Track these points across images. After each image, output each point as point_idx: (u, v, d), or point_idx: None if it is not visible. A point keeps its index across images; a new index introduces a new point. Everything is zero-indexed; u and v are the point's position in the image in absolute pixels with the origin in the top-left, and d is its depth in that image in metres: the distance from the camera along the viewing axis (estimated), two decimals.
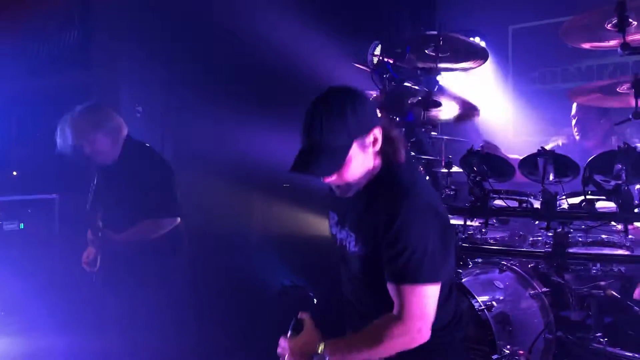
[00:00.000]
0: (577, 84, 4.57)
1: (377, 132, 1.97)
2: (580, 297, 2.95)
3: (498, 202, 3.03)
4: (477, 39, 4.57)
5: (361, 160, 1.97)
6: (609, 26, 2.62)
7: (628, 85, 2.66)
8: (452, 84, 4.40)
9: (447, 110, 3.43)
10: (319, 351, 1.94)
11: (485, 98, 4.09)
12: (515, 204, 3.01)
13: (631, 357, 2.70)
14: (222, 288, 4.71)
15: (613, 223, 2.75)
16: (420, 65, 3.51)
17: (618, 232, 2.78)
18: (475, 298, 2.93)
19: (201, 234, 4.31)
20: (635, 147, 2.53)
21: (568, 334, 2.95)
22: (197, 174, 4.84)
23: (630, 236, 2.68)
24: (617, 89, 2.82)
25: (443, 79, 4.01)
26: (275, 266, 4.92)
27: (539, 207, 2.81)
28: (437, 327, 1.96)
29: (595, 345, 2.80)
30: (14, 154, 5.54)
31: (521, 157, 2.94)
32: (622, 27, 2.46)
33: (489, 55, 3.57)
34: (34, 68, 5.73)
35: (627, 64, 4.40)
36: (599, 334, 2.81)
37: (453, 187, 3.31)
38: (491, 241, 3.37)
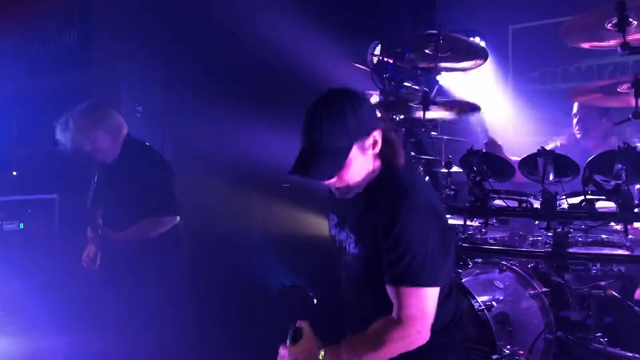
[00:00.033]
0: (577, 84, 4.57)
1: (377, 135, 1.97)
2: (580, 297, 2.95)
3: (498, 202, 3.02)
4: (477, 39, 4.57)
5: (361, 163, 1.97)
6: (609, 26, 2.62)
7: (628, 84, 2.66)
8: (452, 84, 4.40)
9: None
10: (320, 358, 1.94)
11: (486, 98, 4.08)
12: (515, 203, 3.01)
13: (631, 357, 2.70)
14: (222, 288, 4.71)
15: (612, 223, 2.75)
16: (420, 65, 3.51)
17: (618, 232, 2.78)
18: (475, 298, 2.93)
19: (201, 234, 4.31)
20: (635, 147, 2.52)
21: (568, 334, 2.95)
22: (197, 174, 4.84)
23: (630, 236, 2.68)
24: (618, 89, 2.82)
25: (443, 79, 4.00)
26: (275, 266, 4.92)
27: (539, 207, 2.81)
28: (437, 327, 1.97)
29: (595, 345, 2.80)
30: (14, 154, 5.54)
31: (520, 158, 2.95)
32: (622, 27, 2.46)
33: (489, 55, 3.57)
34: (34, 68, 5.73)
35: (627, 64, 4.40)
36: (599, 334, 2.81)
37: (453, 187, 3.31)
38: (491, 241, 3.37)
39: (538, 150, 2.80)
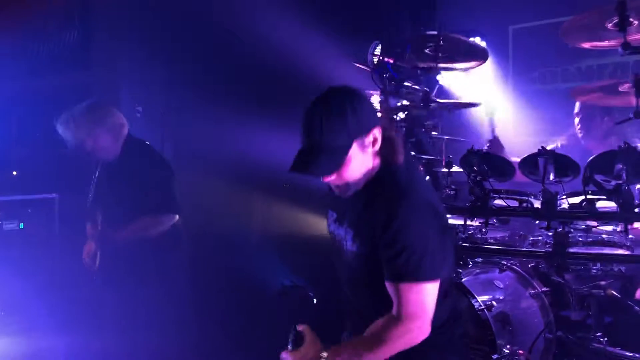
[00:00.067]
0: (577, 83, 4.57)
1: (377, 132, 1.98)
2: (581, 297, 2.95)
3: (498, 201, 3.02)
4: (477, 39, 4.57)
5: (361, 160, 1.97)
6: (609, 26, 2.62)
7: (629, 84, 2.66)
8: (452, 84, 4.40)
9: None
10: (323, 358, 1.95)
11: (485, 98, 4.08)
12: (515, 203, 3.01)
13: (631, 357, 2.70)
14: (222, 288, 4.71)
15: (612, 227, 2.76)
16: (420, 65, 3.52)
17: (618, 231, 2.78)
18: (475, 298, 2.93)
19: (201, 234, 4.31)
20: (636, 147, 2.53)
21: (568, 334, 2.95)
22: (197, 174, 4.84)
23: (630, 236, 2.68)
24: (619, 88, 2.82)
25: (443, 78, 4.00)
26: (275, 266, 4.92)
27: (539, 206, 2.81)
28: (436, 324, 1.97)
29: (595, 345, 2.80)
30: (14, 154, 5.54)
31: (520, 159, 2.95)
32: (622, 27, 2.45)
33: (489, 55, 3.57)
34: (34, 68, 5.73)
35: (627, 64, 4.39)
36: (599, 334, 2.81)
37: (453, 186, 3.31)
38: (491, 241, 3.37)
39: (538, 149, 2.80)
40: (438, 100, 3.47)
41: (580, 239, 2.82)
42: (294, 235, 4.85)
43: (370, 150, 1.98)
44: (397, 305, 1.92)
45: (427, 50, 3.44)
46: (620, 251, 2.74)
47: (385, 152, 2.02)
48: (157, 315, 3.38)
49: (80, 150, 3.43)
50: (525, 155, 2.88)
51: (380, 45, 3.68)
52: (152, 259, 3.39)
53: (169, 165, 3.58)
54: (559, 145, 3.92)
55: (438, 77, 3.76)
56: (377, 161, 2.03)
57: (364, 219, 2.01)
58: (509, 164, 3.02)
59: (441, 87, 3.80)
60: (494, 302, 2.95)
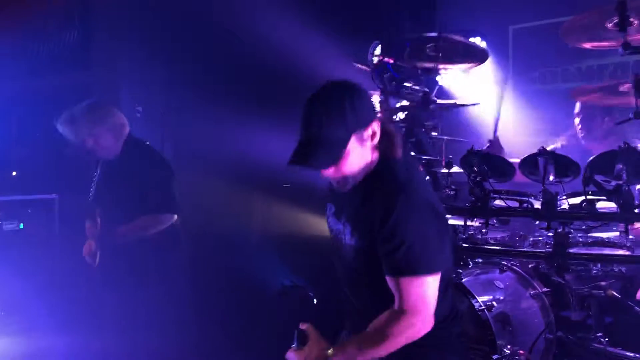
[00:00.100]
0: (577, 84, 4.57)
1: (376, 126, 1.98)
2: (581, 297, 2.95)
3: (498, 202, 3.02)
4: (477, 39, 4.56)
5: (359, 154, 1.97)
6: (609, 26, 2.61)
7: (629, 84, 2.66)
8: (452, 84, 4.40)
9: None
10: (329, 356, 1.95)
11: (486, 98, 4.08)
12: (515, 204, 3.01)
13: (632, 357, 2.70)
14: (222, 288, 4.71)
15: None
16: (420, 65, 3.51)
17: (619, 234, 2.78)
18: (476, 298, 2.93)
19: (201, 234, 4.31)
20: (636, 147, 2.52)
21: (568, 334, 2.95)
22: (197, 174, 4.84)
23: (630, 236, 2.68)
24: (619, 88, 2.82)
25: (443, 79, 4.00)
26: (275, 266, 4.92)
27: (540, 207, 2.81)
28: (438, 319, 1.98)
29: (595, 345, 2.80)
30: (14, 154, 5.54)
31: (520, 159, 2.94)
32: (623, 27, 2.45)
33: (490, 55, 3.57)
34: (34, 68, 5.73)
35: (627, 64, 4.39)
36: (599, 334, 2.81)
37: (453, 187, 3.31)
38: (491, 241, 3.37)
39: (539, 150, 2.80)
40: (438, 100, 3.47)
41: (581, 240, 2.81)
42: (294, 235, 4.85)
43: (368, 144, 1.99)
44: (399, 300, 1.92)
45: (427, 51, 3.43)
46: (621, 252, 2.73)
47: (384, 146, 2.02)
48: (157, 315, 3.38)
49: (81, 150, 3.43)
50: (525, 155, 2.88)
51: (380, 45, 3.68)
52: (151, 258, 3.39)
53: (169, 165, 3.58)
54: (559, 145, 3.91)
55: (438, 78, 3.75)
56: (376, 155, 2.03)
57: (362, 213, 2.01)
58: (509, 164, 3.02)
59: (441, 87, 3.79)
60: (494, 303, 2.95)
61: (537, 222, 2.93)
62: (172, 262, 3.54)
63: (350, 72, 3.75)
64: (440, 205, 2.09)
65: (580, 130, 3.84)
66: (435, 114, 3.65)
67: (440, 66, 3.43)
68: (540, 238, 3.12)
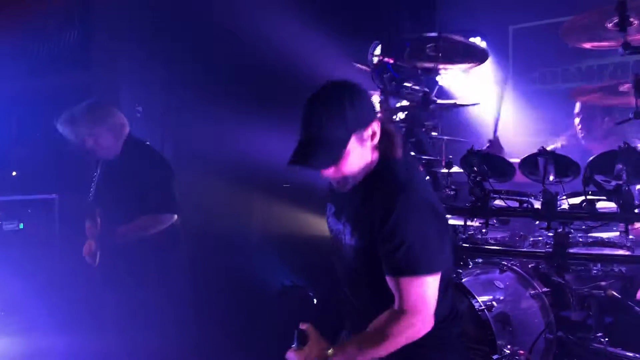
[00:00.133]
0: (577, 84, 4.57)
1: (376, 126, 1.98)
2: (581, 297, 2.95)
3: (498, 202, 3.02)
4: (477, 39, 4.56)
5: (359, 154, 1.98)
6: (609, 25, 2.61)
7: (630, 84, 2.66)
8: (452, 84, 4.40)
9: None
10: (329, 356, 1.95)
11: (486, 98, 4.08)
12: (515, 204, 3.01)
13: (632, 357, 2.70)
14: (222, 288, 4.71)
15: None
16: (420, 65, 3.52)
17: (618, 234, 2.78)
18: (476, 298, 2.93)
19: (201, 234, 4.31)
20: (636, 147, 2.52)
21: (569, 334, 2.95)
22: (197, 174, 4.84)
23: (630, 236, 2.68)
24: (619, 88, 2.82)
25: (443, 79, 4.00)
26: (275, 266, 4.92)
27: (540, 207, 2.81)
28: (438, 319, 1.98)
29: (595, 345, 2.80)
30: (14, 154, 5.54)
31: (520, 159, 2.94)
32: (623, 27, 2.45)
33: (490, 55, 3.57)
34: (34, 68, 5.74)
35: (627, 64, 4.39)
36: (599, 334, 2.81)
37: (453, 187, 3.31)
38: (491, 241, 3.37)
39: (539, 150, 2.80)
40: (438, 100, 3.47)
41: (581, 240, 2.81)
42: (294, 235, 4.85)
43: (368, 144, 1.99)
44: (399, 300, 1.92)
45: (427, 51, 3.43)
46: (621, 252, 2.73)
47: (384, 146, 2.02)
48: (157, 315, 3.38)
49: (81, 149, 3.44)
50: (525, 155, 2.88)
51: (380, 45, 3.68)
52: (151, 259, 3.39)
53: (169, 165, 3.58)
54: (559, 145, 3.91)
55: (438, 78, 3.75)
56: (376, 155, 2.03)
57: (362, 213, 2.01)
58: (509, 164, 3.02)
59: (441, 87, 3.79)
60: (494, 303, 2.95)
61: (537, 222, 2.93)
62: (172, 262, 3.54)
63: (350, 72, 3.75)
64: (441, 205, 2.09)
65: (580, 130, 3.84)
66: (435, 114, 3.65)
67: (440, 66, 3.43)
68: (540, 238, 3.12)
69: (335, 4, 4.81)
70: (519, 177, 3.00)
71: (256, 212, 5.31)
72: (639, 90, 2.51)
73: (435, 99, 3.45)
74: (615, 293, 2.83)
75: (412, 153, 3.42)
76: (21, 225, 4.64)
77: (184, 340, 3.56)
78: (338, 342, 2.03)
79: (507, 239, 3.41)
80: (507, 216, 3.15)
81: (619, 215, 2.58)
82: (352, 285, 2.16)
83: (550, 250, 2.81)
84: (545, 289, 3.12)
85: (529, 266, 3.25)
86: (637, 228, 2.73)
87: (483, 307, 2.90)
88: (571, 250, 2.76)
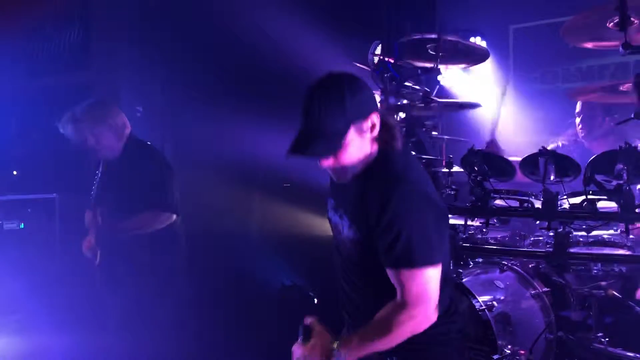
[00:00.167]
0: (578, 84, 4.57)
1: (375, 118, 1.98)
2: (581, 297, 2.95)
3: (499, 201, 3.02)
4: (477, 39, 4.57)
5: (358, 145, 1.97)
6: (610, 25, 2.62)
7: (630, 84, 2.66)
8: (452, 84, 4.40)
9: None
10: (335, 350, 1.96)
11: (486, 98, 4.08)
12: (516, 203, 3.01)
13: (632, 358, 2.70)
14: (222, 288, 4.71)
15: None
16: (420, 65, 3.52)
17: (619, 233, 2.78)
18: (476, 298, 2.93)
19: (201, 233, 4.31)
20: (637, 147, 2.52)
21: (569, 334, 2.95)
22: (197, 174, 4.83)
23: (631, 236, 2.68)
24: (620, 88, 2.82)
25: (444, 78, 4.00)
26: (275, 266, 4.92)
27: (540, 207, 2.81)
28: (439, 312, 1.97)
29: (596, 345, 2.80)
30: (14, 154, 5.54)
31: (521, 158, 2.94)
32: (623, 26, 2.45)
33: (490, 55, 3.57)
34: (34, 68, 5.74)
35: (628, 64, 4.39)
36: (600, 334, 2.81)
37: (454, 186, 3.31)
38: (492, 241, 3.37)
39: (539, 149, 2.80)
40: (438, 100, 3.47)
41: (581, 239, 2.81)
42: (294, 235, 4.85)
43: (368, 135, 1.99)
44: (401, 291, 1.92)
45: (427, 51, 3.43)
46: (621, 251, 2.74)
47: (384, 139, 2.02)
48: (157, 315, 3.38)
49: (83, 149, 3.44)
50: (526, 155, 2.88)
51: (380, 45, 3.68)
52: (151, 259, 3.39)
53: (169, 165, 3.58)
54: (561, 144, 3.92)
55: (439, 77, 3.75)
56: (375, 147, 2.03)
57: (360, 205, 2.01)
58: (510, 164, 3.02)
59: (441, 87, 3.79)
60: (494, 303, 2.95)
61: (538, 222, 2.93)
62: (172, 262, 3.54)
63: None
64: (440, 199, 2.09)
65: (581, 130, 3.84)
66: (435, 114, 3.65)
67: (441, 66, 3.43)
68: (540, 238, 3.12)
69: (335, 4, 4.81)
70: (520, 177, 3.00)
71: (256, 212, 5.31)
72: None
73: (435, 98, 3.44)
74: (615, 293, 2.83)
75: (413, 153, 3.41)
76: (21, 225, 4.64)
77: (184, 340, 3.56)
78: (340, 338, 2.03)
79: (507, 238, 3.41)
80: (507, 216, 3.15)
81: (620, 215, 2.58)
82: (350, 280, 2.16)
83: (551, 250, 2.81)
84: (545, 289, 3.12)
85: (530, 266, 3.25)
86: (638, 228, 2.73)
87: (483, 307, 2.90)
88: (571, 250, 2.76)
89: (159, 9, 5.13)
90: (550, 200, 2.74)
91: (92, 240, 3.53)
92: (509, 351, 2.83)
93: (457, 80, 4.46)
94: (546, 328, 2.98)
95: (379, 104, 2.11)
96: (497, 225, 3.22)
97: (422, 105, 3.33)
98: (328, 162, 1.99)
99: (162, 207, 3.43)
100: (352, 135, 1.94)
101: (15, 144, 5.63)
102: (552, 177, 2.77)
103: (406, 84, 3.52)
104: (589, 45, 2.91)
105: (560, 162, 2.76)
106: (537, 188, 2.87)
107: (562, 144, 3.91)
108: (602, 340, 2.79)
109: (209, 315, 4.25)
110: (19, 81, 5.57)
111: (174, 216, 3.48)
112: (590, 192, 2.67)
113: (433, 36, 3.36)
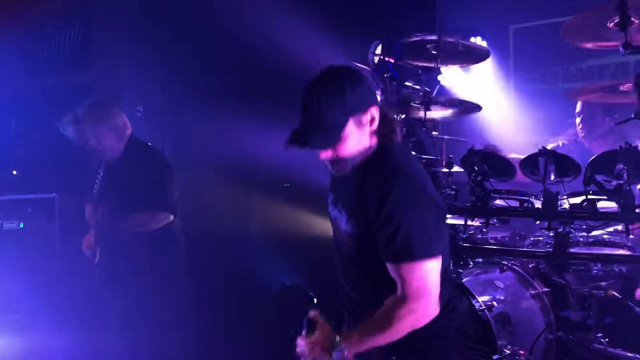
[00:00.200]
0: (578, 84, 4.58)
1: (375, 111, 1.99)
2: (581, 297, 2.95)
3: (499, 201, 3.02)
4: (478, 39, 4.57)
5: (357, 138, 1.98)
6: (610, 25, 2.62)
7: (631, 84, 2.66)
8: (453, 84, 4.40)
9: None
10: (337, 342, 1.96)
11: (486, 98, 4.08)
12: (516, 203, 3.01)
13: (632, 358, 2.70)
14: (222, 288, 4.71)
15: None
16: (420, 64, 3.52)
17: (619, 232, 2.78)
18: (476, 298, 2.93)
19: (201, 233, 4.31)
20: (637, 147, 2.52)
21: (569, 334, 2.95)
22: (197, 174, 4.83)
23: (631, 236, 2.68)
24: (620, 88, 2.82)
25: (444, 78, 4.00)
26: (275, 266, 4.91)
27: (540, 207, 2.81)
28: (439, 307, 1.97)
29: (596, 345, 2.80)
30: (14, 154, 5.54)
31: (521, 157, 2.94)
32: (623, 26, 2.45)
33: (490, 55, 3.57)
34: (34, 68, 5.73)
35: (628, 64, 4.40)
36: (599, 334, 2.81)
37: (454, 186, 3.31)
38: (492, 241, 3.37)
39: (539, 149, 2.80)
40: (439, 100, 3.47)
41: (581, 239, 2.81)
42: (294, 235, 4.85)
43: (367, 129, 1.99)
44: (401, 285, 1.92)
45: (427, 51, 3.43)
46: (621, 251, 2.74)
47: (383, 132, 2.03)
48: (157, 315, 3.38)
49: (84, 149, 3.44)
50: (526, 155, 2.88)
51: (380, 45, 3.68)
52: (150, 258, 3.39)
53: (169, 166, 3.58)
54: (561, 144, 3.92)
55: (439, 77, 3.75)
56: (374, 141, 2.04)
57: (358, 199, 2.01)
58: (510, 164, 3.02)
59: (442, 87, 3.79)
60: (494, 303, 2.95)
61: (538, 222, 2.93)
62: (171, 262, 3.54)
63: None
64: (435, 189, 2.09)
65: (581, 130, 3.84)
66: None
67: (441, 65, 3.43)
68: (540, 238, 3.12)
69: (335, 4, 4.81)
70: (520, 177, 3.00)
71: (256, 212, 5.31)
72: None
73: (435, 98, 3.44)
74: (615, 293, 2.83)
75: (413, 153, 3.41)
76: (21, 225, 4.64)
77: (184, 340, 3.56)
78: (341, 335, 2.03)
79: (507, 238, 3.41)
80: (507, 216, 3.15)
81: (620, 215, 2.58)
82: (350, 280, 2.16)
83: (551, 250, 2.81)
84: (545, 289, 3.12)
85: (529, 266, 3.25)
86: (638, 228, 2.73)
87: (483, 307, 2.90)
88: (571, 250, 2.76)
89: (159, 9, 5.12)
90: (550, 200, 2.74)
91: (91, 239, 3.54)
92: (508, 351, 2.83)
93: (457, 80, 4.46)
94: (546, 328, 2.98)
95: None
96: (497, 225, 3.22)
97: (423, 108, 3.32)
98: (327, 154, 2.00)
99: (161, 207, 3.43)
100: (350, 127, 1.94)
101: (15, 144, 5.62)
102: (552, 177, 2.77)
103: (406, 84, 3.52)
104: (589, 45, 2.91)
105: (561, 162, 2.76)
106: (537, 188, 2.87)
107: (562, 144, 3.91)
108: (602, 340, 2.79)
109: (209, 315, 4.25)
110: (19, 81, 5.57)
111: (172, 216, 3.48)
112: (591, 192, 2.68)
113: (433, 37, 3.36)
